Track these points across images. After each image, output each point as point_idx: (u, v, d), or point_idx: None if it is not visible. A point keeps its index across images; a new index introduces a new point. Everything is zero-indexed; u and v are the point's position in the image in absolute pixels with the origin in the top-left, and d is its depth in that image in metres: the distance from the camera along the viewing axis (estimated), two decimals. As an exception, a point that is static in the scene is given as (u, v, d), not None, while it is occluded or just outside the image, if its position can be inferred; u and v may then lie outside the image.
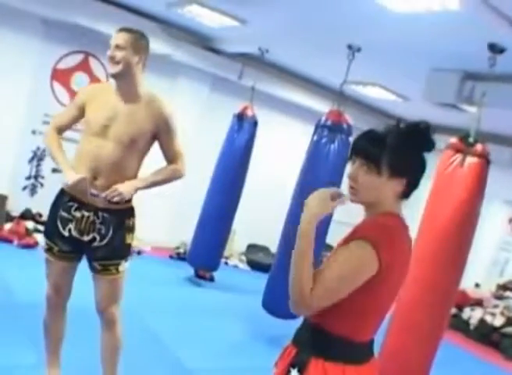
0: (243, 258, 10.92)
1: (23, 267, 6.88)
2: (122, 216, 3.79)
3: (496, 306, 9.86)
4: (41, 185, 8.91)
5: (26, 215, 8.62)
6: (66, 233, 3.73)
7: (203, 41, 8.74)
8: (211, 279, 8.52)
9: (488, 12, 4.49)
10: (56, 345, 4.02)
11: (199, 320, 6.66)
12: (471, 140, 4.79)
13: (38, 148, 8.72)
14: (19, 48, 8.23)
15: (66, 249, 3.77)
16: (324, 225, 6.15)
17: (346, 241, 2.30)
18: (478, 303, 10.08)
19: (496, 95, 5.48)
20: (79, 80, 8.81)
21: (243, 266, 10.73)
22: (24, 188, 8.84)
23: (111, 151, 3.61)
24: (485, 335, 9.42)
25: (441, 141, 10.30)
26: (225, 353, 5.93)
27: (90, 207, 3.68)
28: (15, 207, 8.58)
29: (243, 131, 7.92)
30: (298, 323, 6.82)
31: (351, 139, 6.31)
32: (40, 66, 8.52)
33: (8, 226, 8.14)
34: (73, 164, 3.71)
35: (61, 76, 8.70)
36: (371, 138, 2.37)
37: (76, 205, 3.70)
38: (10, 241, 7.83)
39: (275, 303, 6.48)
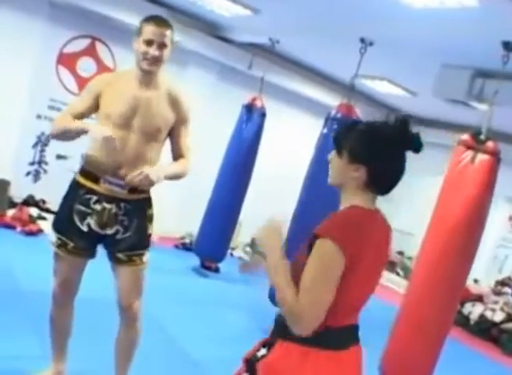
0: (248, 249, 11.01)
1: (27, 255, 6.95)
2: (142, 205, 3.73)
3: (496, 302, 10.02)
4: (45, 171, 9.00)
5: (29, 201, 8.72)
6: (85, 228, 3.61)
7: (213, 30, 8.83)
8: (217, 270, 8.63)
9: (507, 9, 4.59)
10: (63, 340, 3.97)
11: (204, 311, 6.76)
12: (482, 137, 4.88)
13: (43, 134, 8.79)
14: (25, 31, 8.25)
15: (82, 245, 3.67)
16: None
17: (314, 236, 2.33)
18: (479, 299, 10.23)
19: (507, 93, 5.55)
20: (85, 64, 8.92)
21: (248, 257, 10.72)
22: (27, 174, 8.91)
23: (135, 142, 3.55)
24: (484, 330, 9.62)
25: (448, 137, 10.33)
26: (230, 344, 5.98)
27: (110, 198, 3.59)
28: (17, 193, 8.64)
29: (252, 122, 8.02)
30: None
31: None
32: (46, 50, 8.56)
33: (10, 212, 8.19)
34: (93, 157, 3.61)
35: (67, 60, 8.78)
36: (345, 126, 2.51)
37: (95, 198, 3.59)
38: (13, 228, 7.89)
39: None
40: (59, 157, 8.95)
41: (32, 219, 8.18)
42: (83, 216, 3.62)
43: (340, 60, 8.33)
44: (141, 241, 3.75)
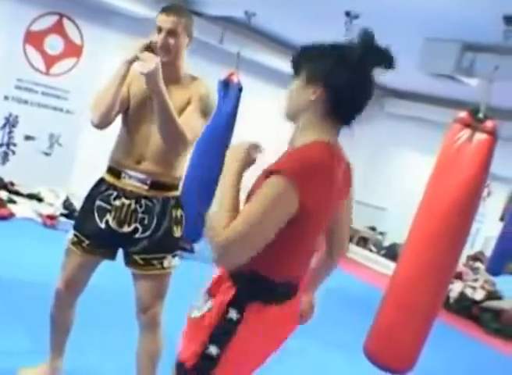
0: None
1: (1, 241, 6.62)
2: (167, 205, 3.45)
3: (475, 280, 9.87)
4: (13, 153, 8.60)
5: (-2, 183, 8.34)
6: (103, 225, 3.40)
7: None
8: (191, 250, 8.32)
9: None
10: (63, 337, 3.74)
11: (183, 293, 6.45)
12: (480, 115, 4.65)
13: (10, 115, 8.42)
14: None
15: (99, 243, 3.45)
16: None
17: (265, 175, 2.15)
18: (458, 276, 10.07)
19: (505, 69, 5.33)
20: (52, 42, 8.48)
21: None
22: (-5, 156, 8.55)
23: (157, 136, 3.28)
24: (464, 308, 9.45)
25: (431, 111, 10.15)
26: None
27: (130, 194, 3.38)
28: (-15, 176, 8.29)
29: (229, 98, 7.77)
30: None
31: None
32: (13, 28, 8.16)
33: (-21, 196, 7.81)
34: (116, 152, 3.45)
35: (34, 38, 8.34)
36: (303, 46, 2.30)
37: (115, 194, 3.40)
38: (-16, 213, 7.52)
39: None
40: (27, 138, 8.58)
41: (2, 203, 7.77)
42: (103, 213, 3.43)
43: (319, 34, 7.98)
44: (162, 244, 3.46)
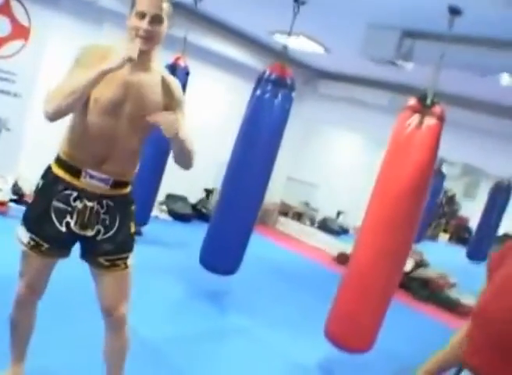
0: (164, 208, 10.63)
1: None
2: (125, 201, 3.27)
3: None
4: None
5: None
6: (63, 228, 3.12)
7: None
8: (139, 233, 8.15)
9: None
10: (25, 341, 3.53)
11: (137, 280, 6.40)
12: (428, 101, 4.72)
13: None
14: None
15: (58, 246, 3.20)
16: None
17: None
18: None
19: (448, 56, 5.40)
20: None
21: (164, 216, 10.45)
22: None
23: (123, 132, 3.05)
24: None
25: (362, 91, 10.15)
26: (171, 315, 5.83)
27: (91, 195, 3.11)
28: None
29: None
30: (235, 277, 6.55)
31: (294, 94, 6.21)
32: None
33: None
34: (73, 149, 3.11)
35: (-20, 19, 8.02)
36: None
37: (75, 194, 3.10)
38: None
39: (214, 259, 6.38)
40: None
41: None
42: (63, 215, 3.12)
43: (266, 20, 7.98)
44: (125, 243, 3.28)
